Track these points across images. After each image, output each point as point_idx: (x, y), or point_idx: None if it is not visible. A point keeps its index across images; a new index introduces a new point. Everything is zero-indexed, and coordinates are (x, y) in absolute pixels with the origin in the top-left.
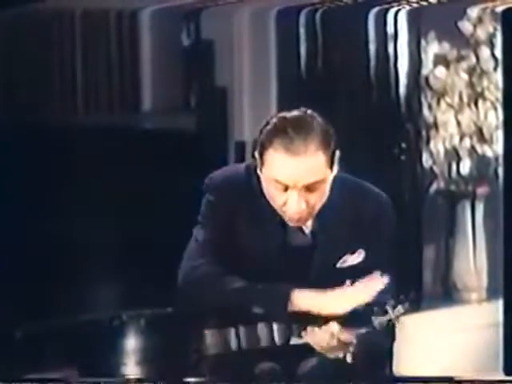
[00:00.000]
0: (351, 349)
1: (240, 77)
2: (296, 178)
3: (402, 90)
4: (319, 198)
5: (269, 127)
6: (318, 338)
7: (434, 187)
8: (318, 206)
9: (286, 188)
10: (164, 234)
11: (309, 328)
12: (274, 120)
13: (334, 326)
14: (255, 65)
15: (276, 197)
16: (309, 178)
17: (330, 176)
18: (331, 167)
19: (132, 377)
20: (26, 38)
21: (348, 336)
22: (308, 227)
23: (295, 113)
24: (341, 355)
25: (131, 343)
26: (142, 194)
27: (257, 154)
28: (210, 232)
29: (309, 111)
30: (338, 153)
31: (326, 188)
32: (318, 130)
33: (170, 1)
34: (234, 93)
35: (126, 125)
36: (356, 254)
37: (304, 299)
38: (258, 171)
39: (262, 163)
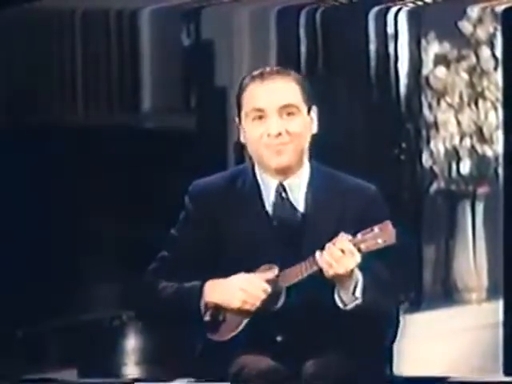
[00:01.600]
0: (354, 265)
1: (240, 77)
2: (271, 98)
3: (402, 89)
4: (298, 129)
5: (244, 80)
6: (329, 252)
7: (434, 187)
8: (298, 143)
9: (265, 118)
10: (164, 234)
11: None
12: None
13: (342, 241)
14: (255, 65)
15: (254, 132)
16: (283, 99)
17: (307, 118)
18: (308, 106)
19: (132, 377)
20: (26, 38)
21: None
22: (298, 203)
23: None
24: (345, 271)
25: (131, 343)
26: (141, 194)
27: (237, 118)
28: (185, 241)
29: None
30: (315, 108)
31: (304, 123)
32: (294, 74)
33: (170, 1)
34: (234, 93)
35: (126, 125)
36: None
37: (210, 291)
38: (242, 139)
39: (240, 119)
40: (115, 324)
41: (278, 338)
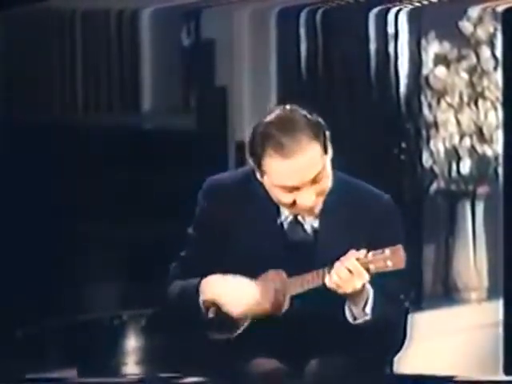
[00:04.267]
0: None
1: (240, 77)
2: (300, 177)
3: (402, 89)
4: (326, 184)
5: (257, 138)
6: (337, 273)
7: (434, 187)
8: (326, 190)
9: (293, 189)
10: (164, 234)
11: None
12: (260, 129)
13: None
14: (255, 65)
15: (284, 199)
16: (312, 172)
17: (328, 159)
18: (326, 151)
19: (132, 376)
20: (27, 38)
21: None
22: (308, 224)
23: (277, 112)
24: (353, 291)
25: (131, 343)
26: (142, 194)
27: (253, 164)
28: (199, 239)
29: (288, 107)
30: (327, 133)
31: (328, 171)
32: (303, 123)
33: (170, 1)
34: (234, 93)
35: (125, 125)
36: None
37: (207, 287)
38: (259, 178)
39: (262, 172)
40: (115, 324)
41: (283, 340)
